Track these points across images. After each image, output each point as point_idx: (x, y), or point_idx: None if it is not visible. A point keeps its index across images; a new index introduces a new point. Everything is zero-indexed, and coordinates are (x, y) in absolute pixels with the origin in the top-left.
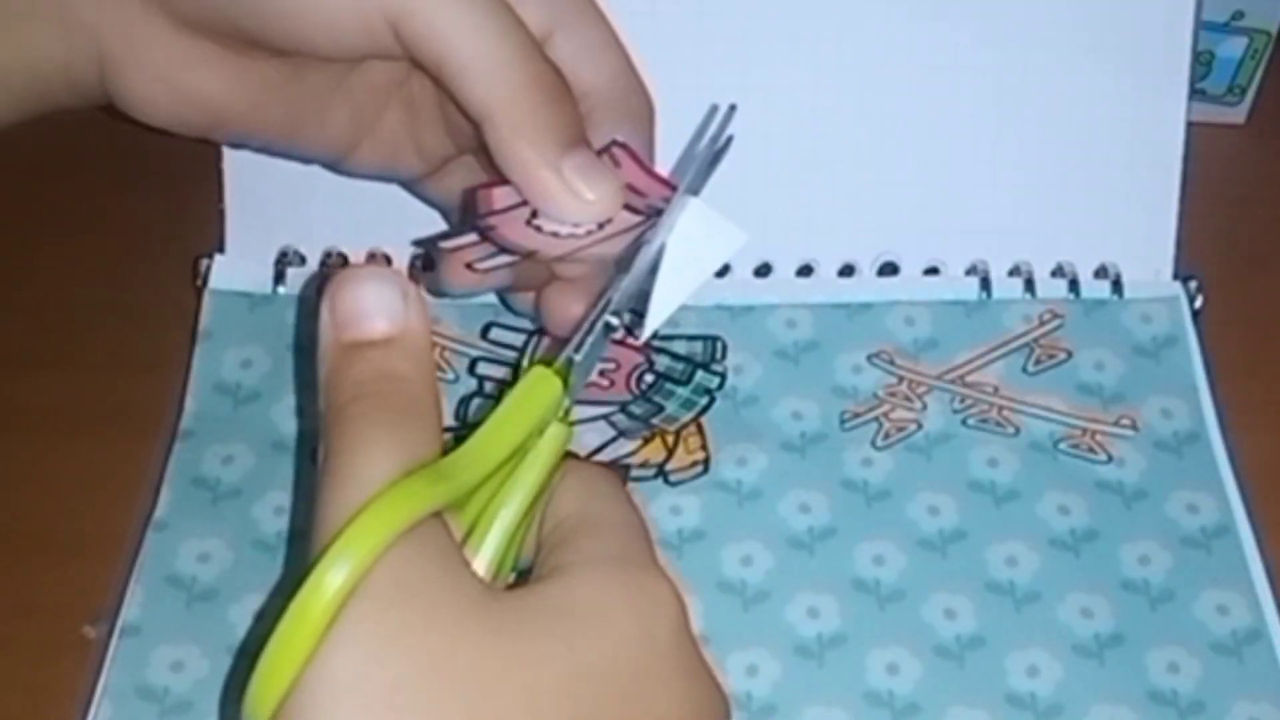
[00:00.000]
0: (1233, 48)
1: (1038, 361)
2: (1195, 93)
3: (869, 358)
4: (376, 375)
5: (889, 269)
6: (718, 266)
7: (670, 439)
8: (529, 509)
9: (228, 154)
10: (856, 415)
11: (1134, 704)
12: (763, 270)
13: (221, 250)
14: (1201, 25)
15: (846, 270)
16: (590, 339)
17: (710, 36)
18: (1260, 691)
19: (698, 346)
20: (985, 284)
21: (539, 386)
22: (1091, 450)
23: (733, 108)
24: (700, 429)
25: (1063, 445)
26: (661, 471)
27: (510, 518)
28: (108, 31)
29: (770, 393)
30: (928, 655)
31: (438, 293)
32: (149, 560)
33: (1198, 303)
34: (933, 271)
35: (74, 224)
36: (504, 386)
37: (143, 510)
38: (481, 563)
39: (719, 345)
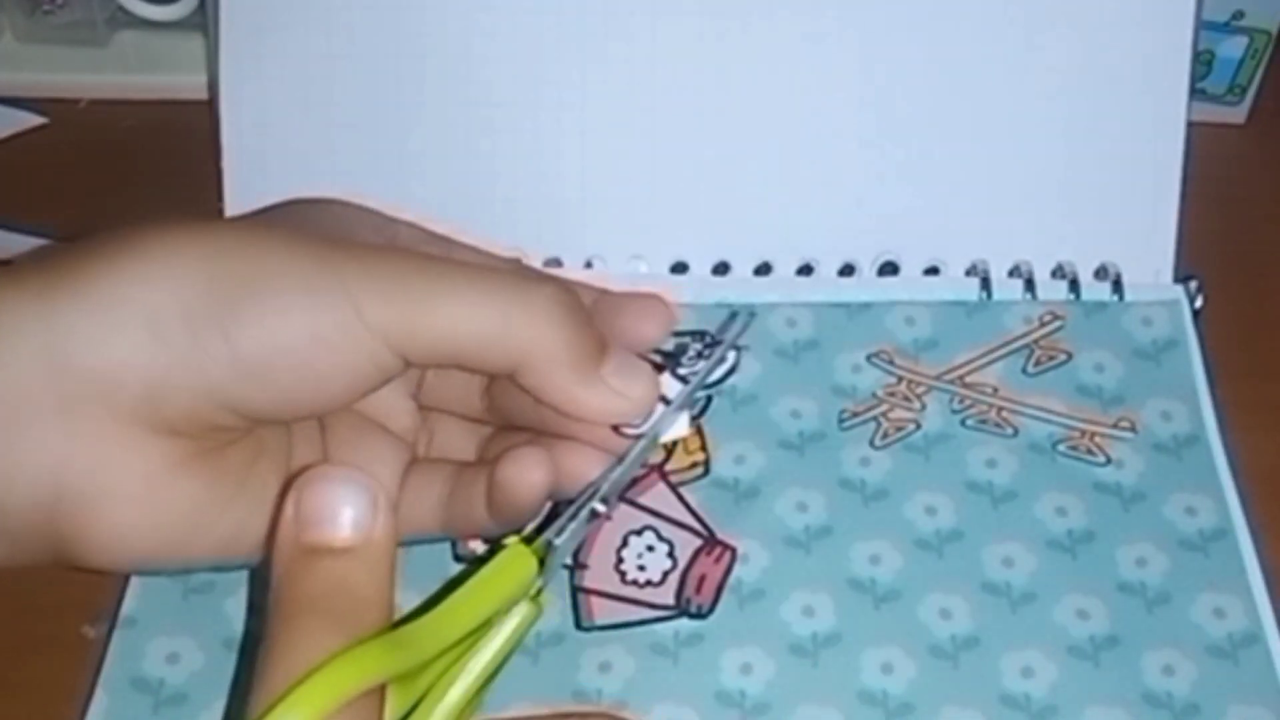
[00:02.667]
0: (1233, 48)
1: (1037, 363)
2: (1195, 93)
3: (868, 357)
4: (331, 590)
5: (889, 269)
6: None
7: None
8: (480, 689)
9: (227, 153)
10: (855, 415)
11: (1128, 706)
12: (763, 269)
13: None
14: (1201, 25)
15: (846, 270)
16: (574, 525)
17: (711, 36)
18: (1255, 695)
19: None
20: (985, 284)
21: (514, 564)
22: (1090, 452)
23: (752, 315)
24: (700, 430)
25: (1061, 447)
26: (662, 472)
27: (457, 697)
28: (69, 462)
29: (769, 391)
30: (922, 655)
31: None
32: None
33: (1198, 303)
34: (933, 271)
35: (74, 224)
36: (477, 561)
37: None
38: None
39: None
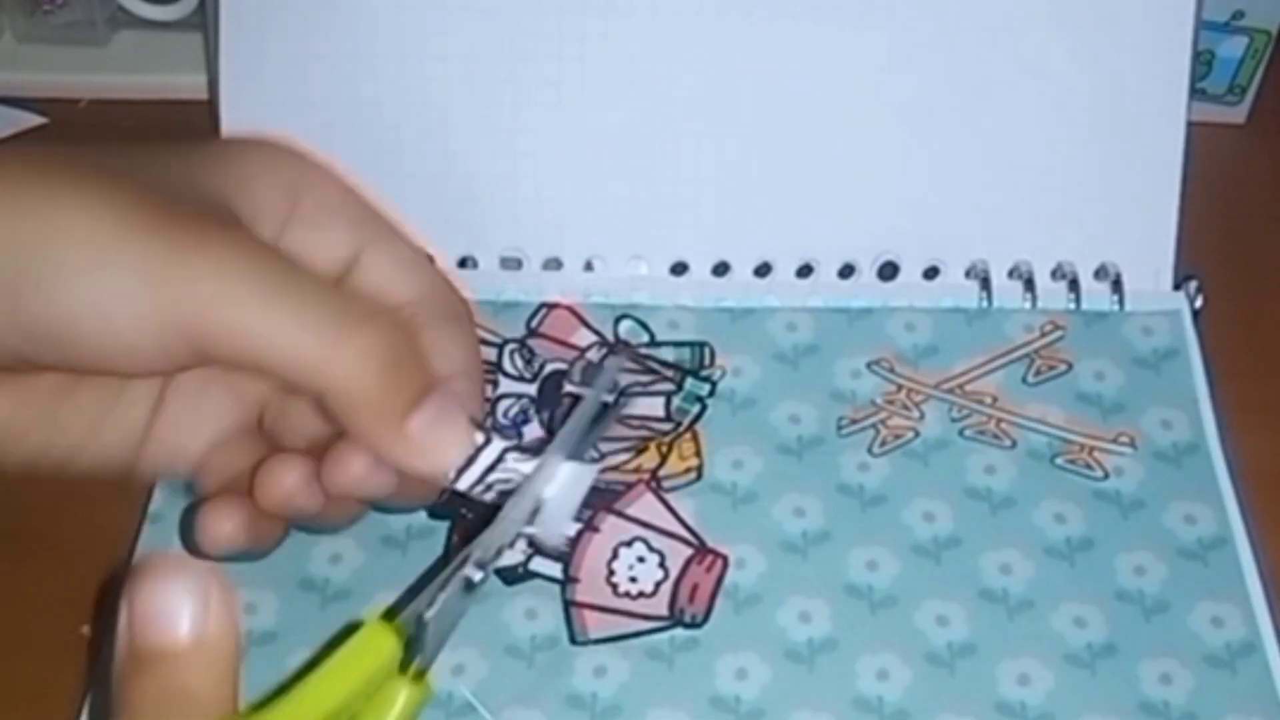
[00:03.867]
0: (1233, 47)
1: (1038, 372)
2: (1195, 93)
3: (868, 364)
4: (165, 693)
5: (889, 269)
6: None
7: (664, 446)
8: None
9: None
10: (854, 421)
11: (1125, 715)
12: (762, 270)
13: None
14: (1201, 25)
15: (846, 270)
16: (444, 594)
17: (711, 37)
18: (1253, 705)
19: (685, 353)
20: (985, 285)
21: (371, 643)
22: (1089, 466)
23: (625, 347)
24: (695, 436)
25: (1060, 460)
26: (655, 478)
27: None
28: None
29: (768, 396)
30: (918, 662)
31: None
32: (143, 553)
33: (1198, 302)
34: (933, 272)
35: None
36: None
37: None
38: None
39: (707, 351)
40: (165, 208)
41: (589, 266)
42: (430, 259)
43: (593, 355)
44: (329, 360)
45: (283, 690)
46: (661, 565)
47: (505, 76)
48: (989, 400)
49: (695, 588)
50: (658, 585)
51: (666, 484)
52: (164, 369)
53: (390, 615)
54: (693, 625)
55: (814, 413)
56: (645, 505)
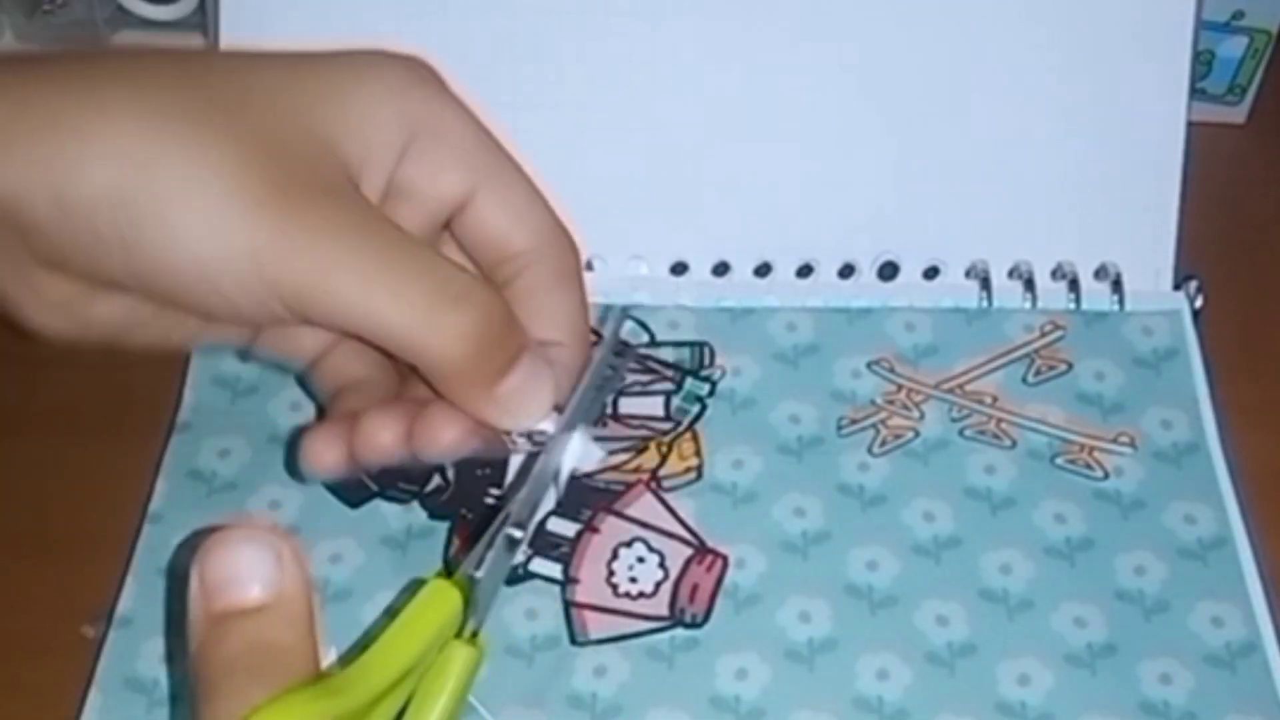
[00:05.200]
0: (1233, 47)
1: (1038, 372)
2: (1195, 93)
3: (869, 364)
4: (249, 648)
5: (889, 269)
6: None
7: (664, 446)
8: None
9: None
10: (854, 421)
11: (1125, 715)
12: (762, 270)
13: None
14: (1201, 25)
15: (846, 270)
16: (491, 554)
17: (711, 36)
18: (1253, 705)
19: (685, 353)
20: (985, 285)
21: (436, 600)
22: (1089, 466)
23: (625, 310)
24: (695, 436)
25: (1060, 460)
26: (655, 478)
27: None
28: (2, 271)
29: (768, 396)
30: (918, 662)
31: None
32: (143, 552)
33: (1198, 302)
34: (933, 272)
35: None
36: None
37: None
38: None
39: (707, 351)
40: (274, 176)
41: (589, 266)
42: (545, 202)
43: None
44: (424, 337)
45: (358, 650)
46: (661, 565)
47: (505, 76)
48: (989, 400)
49: (695, 588)
50: (658, 585)
51: (666, 484)
52: (263, 324)
53: (447, 574)
54: (693, 625)
55: (814, 413)
56: (645, 505)
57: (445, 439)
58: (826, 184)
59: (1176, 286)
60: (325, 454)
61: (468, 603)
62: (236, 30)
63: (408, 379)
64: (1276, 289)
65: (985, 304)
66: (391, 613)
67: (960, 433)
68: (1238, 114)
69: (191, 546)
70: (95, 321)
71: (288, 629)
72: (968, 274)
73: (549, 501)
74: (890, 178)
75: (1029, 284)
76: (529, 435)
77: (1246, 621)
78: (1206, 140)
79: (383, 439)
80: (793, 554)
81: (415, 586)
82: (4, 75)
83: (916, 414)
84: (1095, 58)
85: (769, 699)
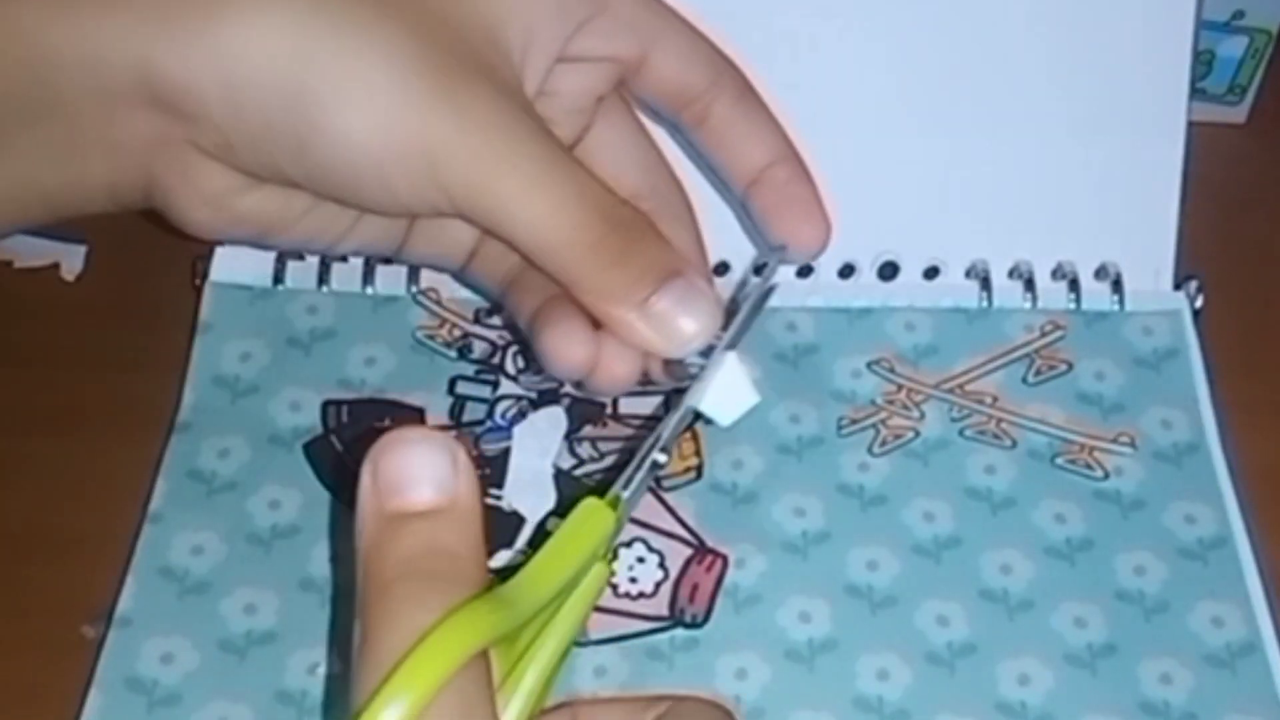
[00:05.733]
0: (1233, 47)
1: (1038, 372)
2: (1195, 92)
3: (869, 364)
4: (425, 551)
5: (889, 269)
6: (728, 421)
7: None
8: (565, 653)
9: None
10: (854, 421)
11: (1125, 714)
12: (762, 270)
13: (221, 243)
14: (1201, 25)
15: (846, 270)
16: (640, 475)
17: (713, 36)
18: (1253, 705)
19: None
20: (985, 285)
21: (593, 518)
22: (1089, 466)
23: (782, 248)
24: (695, 436)
25: (1060, 460)
26: (655, 478)
27: (546, 663)
28: (158, 162)
29: (768, 396)
30: (918, 662)
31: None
32: (143, 552)
33: (1198, 302)
34: (933, 272)
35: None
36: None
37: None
38: (511, 714)
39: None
40: (445, 66)
41: None
42: (708, 39)
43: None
44: (573, 251)
45: (510, 571)
46: (661, 565)
47: None
48: (989, 400)
49: (695, 588)
50: (658, 585)
51: (666, 484)
52: (422, 217)
53: (599, 494)
54: (693, 625)
55: (814, 412)
56: (645, 505)
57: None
58: (827, 184)
59: (1176, 286)
60: (576, 350)
61: (618, 522)
62: None
63: None
64: (1276, 289)
65: (985, 304)
66: (547, 532)
67: (960, 433)
68: (1238, 114)
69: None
70: (248, 215)
71: (461, 535)
72: (968, 274)
73: (546, 498)
74: (890, 178)
75: (1029, 284)
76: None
77: (1246, 621)
78: (1206, 140)
79: (575, 358)
80: (793, 554)
81: (571, 505)
82: None
83: (916, 414)
84: (1095, 58)
85: (769, 699)
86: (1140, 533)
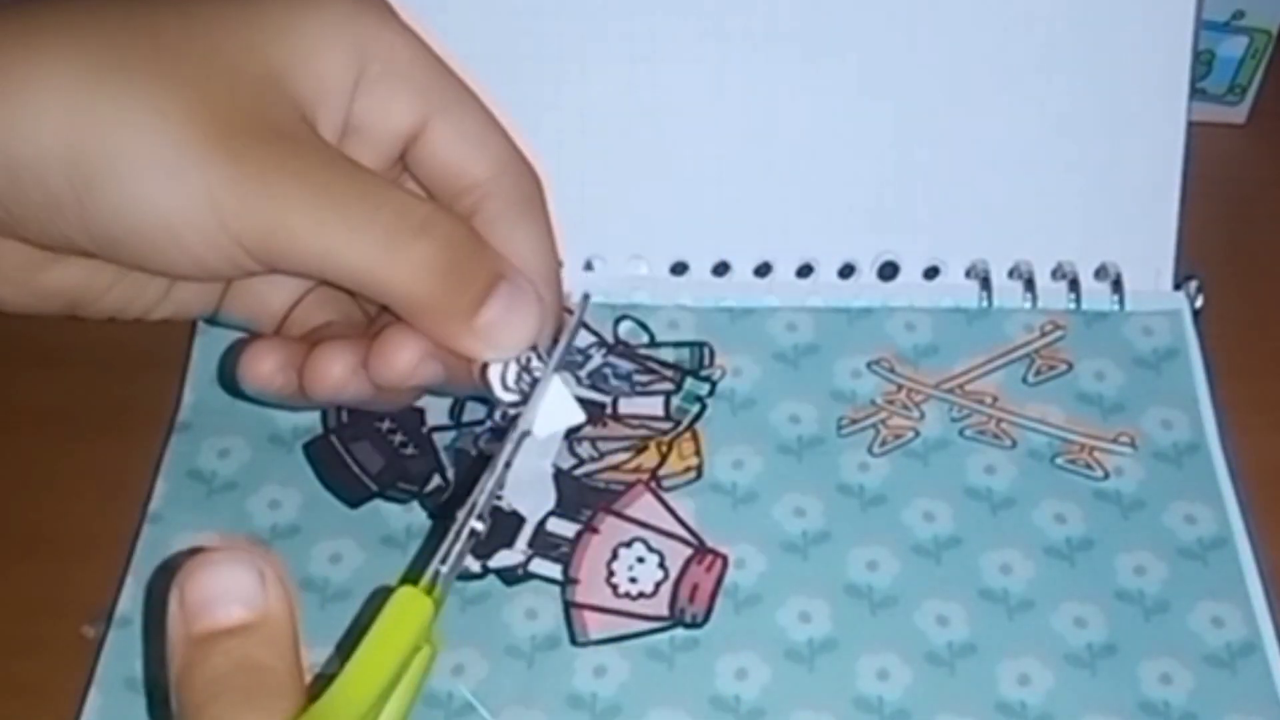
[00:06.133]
0: (1233, 47)
1: (1038, 372)
2: (1195, 92)
3: (869, 364)
4: (236, 668)
5: (889, 269)
6: (555, 439)
7: (664, 446)
8: None
9: None
10: (854, 421)
11: (1125, 715)
12: (762, 270)
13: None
14: (1201, 25)
15: (846, 270)
16: (458, 547)
17: (711, 35)
18: (1253, 705)
19: (685, 353)
20: (985, 285)
21: (410, 608)
22: (1089, 466)
23: (586, 297)
24: (695, 435)
25: (1060, 460)
26: (655, 477)
27: None
28: None
29: (768, 395)
30: (919, 662)
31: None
32: (143, 552)
33: (1198, 302)
34: (933, 272)
35: None
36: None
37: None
38: None
39: (707, 351)
40: (225, 118)
41: (589, 266)
42: (502, 129)
43: (594, 356)
44: (387, 272)
45: (338, 668)
46: (661, 565)
47: (505, 76)
48: (989, 400)
49: (695, 588)
50: (658, 585)
51: (666, 484)
52: (230, 277)
53: (413, 581)
54: (693, 625)
55: (814, 413)
56: (644, 505)
57: (401, 361)
58: (826, 184)
59: (1176, 286)
60: (262, 364)
61: (438, 604)
62: None
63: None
64: (1276, 289)
65: (985, 304)
66: (362, 625)
67: (960, 433)
68: (1238, 114)
69: (170, 570)
70: (51, 290)
71: (273, 649)
72: (968, 274)
73: (546, 498)
74: (890, 178)
75: (1029, 284)
76: (518, 370)
77: (1246, 621)
78: (1206, 140)
79: (334, 371)
80: (793, 554)
81: (382, 596)
82: None
83: (916, 414)
84: (1095, 58)
85: (769, 699)
86: (1140, 533)
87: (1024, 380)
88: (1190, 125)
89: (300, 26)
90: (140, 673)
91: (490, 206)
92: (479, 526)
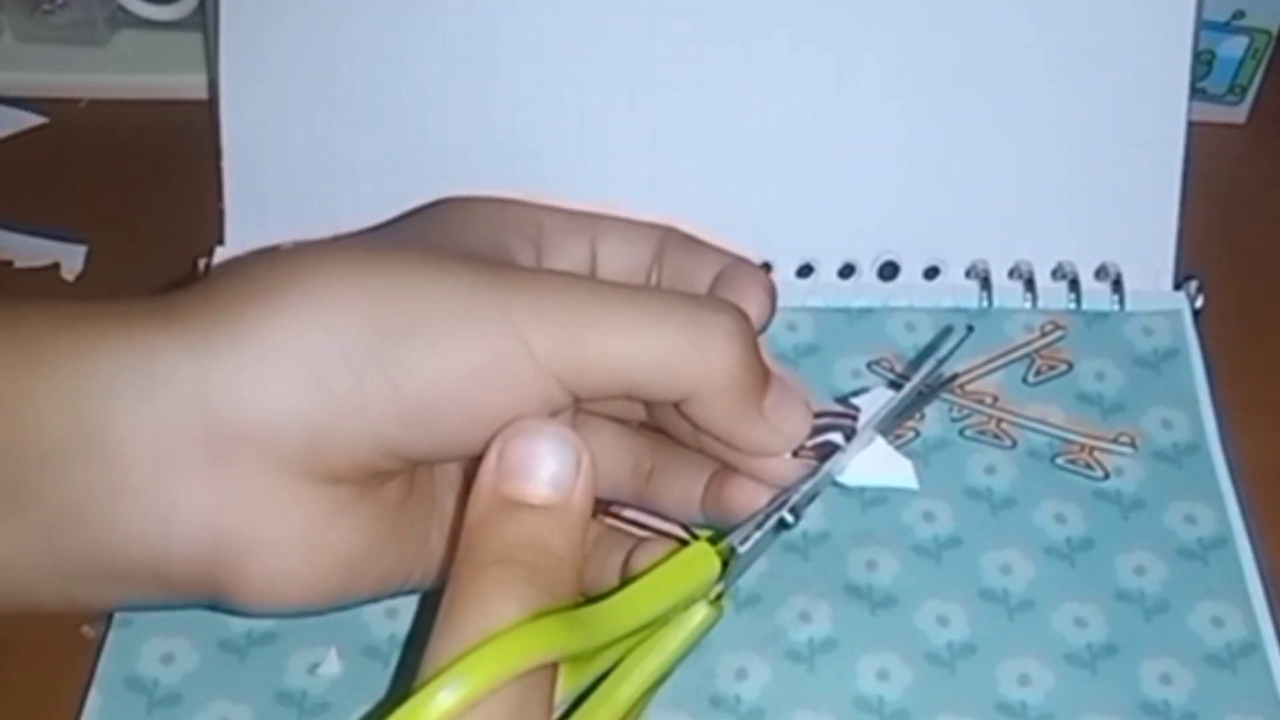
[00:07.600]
0: (1233, 47)
1: (1038, 372)
2: (1195, 93)
3: (869, 364)
4: (528, 544)
5: (889, 269)
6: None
7: None
8: (652, 688)
9: (227, 153)
10: None
11: (1125, 715)
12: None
13: (221, 244)
14: (1201, 25)
15: (846, 270)
16: (760, 533)
17: (711, 36)
18: (1253, 705)
19: None
20: (985, 285)
21: (697, 562)
22: (1089, 466)
23: (970, 329)
24: None
25: (1060, 460)
26: None
27: (630, 693)
28: (228, 512)
29: None
30: (919, 662)
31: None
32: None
33: (1198, 302)
34: (933, 272)
35: (74, 224)
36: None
37: None
38: None
39: None
40: (493, 267)
41: None
42: (652, 223)
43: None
44: (696, 357)
45: (607, 594)
46: None
47: (506, 76)
48: (989, 400)
49: None
50: None
51: None
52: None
53: (712, 541)
54: None
55: None
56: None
57: (741, 499)
58: (826, 184)
59: (1177, 286)
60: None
61: (724, 570)
62: (236, 30)
63: None
64: (1276, 289)
65: (985, 304)
66: (655, 562)
67: (960, 433)
68: (1238, 114)
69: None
70: (334, 556)
71: (565, 539)
72: (968, 274)
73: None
74: (890, 178)
75: (1029, 284)
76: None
77: (1247, 621)
78: (1206, 140)
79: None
80: (792, 554)
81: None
82: None
83: (916, 414)
84: (1095, 58)
85: (769, 699)
86: (1140, 533)
87: (1024, 380)
88: (1190, 125)
89: (465, 226)
90: (140, 672)
91: (671, 259)
92: (789, 519)
